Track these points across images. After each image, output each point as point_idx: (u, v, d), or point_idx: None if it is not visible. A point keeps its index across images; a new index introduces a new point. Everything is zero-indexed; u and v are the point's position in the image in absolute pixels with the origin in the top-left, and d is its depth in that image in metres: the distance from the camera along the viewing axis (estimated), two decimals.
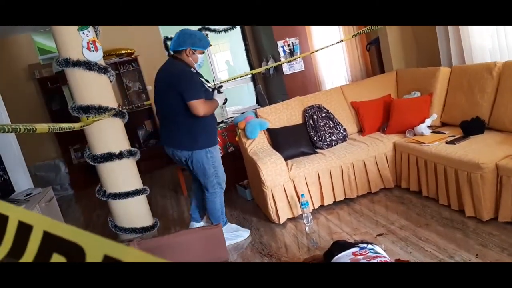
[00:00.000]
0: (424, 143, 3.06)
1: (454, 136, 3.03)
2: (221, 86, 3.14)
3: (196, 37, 2.87)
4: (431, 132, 3.27)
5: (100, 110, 3.04)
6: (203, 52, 2.95)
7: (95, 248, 0.55)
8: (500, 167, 2.45)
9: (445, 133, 3.16)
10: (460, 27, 3.48)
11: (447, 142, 2.94)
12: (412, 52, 4.24)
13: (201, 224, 3.32)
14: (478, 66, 3.20)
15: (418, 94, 3.63)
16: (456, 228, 2.58)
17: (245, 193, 3.94)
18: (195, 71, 2.94)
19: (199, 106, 2.73)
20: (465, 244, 2.38)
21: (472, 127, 3.00)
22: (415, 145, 3.12)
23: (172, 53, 2.98)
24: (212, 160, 2.95)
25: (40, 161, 5.85)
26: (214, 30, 6.67)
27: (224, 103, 3.07)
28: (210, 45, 3.05)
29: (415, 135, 3.32)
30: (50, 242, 0.58)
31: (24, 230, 0.61)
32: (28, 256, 0.59)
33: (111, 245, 0.54)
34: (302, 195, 3.10)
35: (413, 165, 3.17)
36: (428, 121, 3.33)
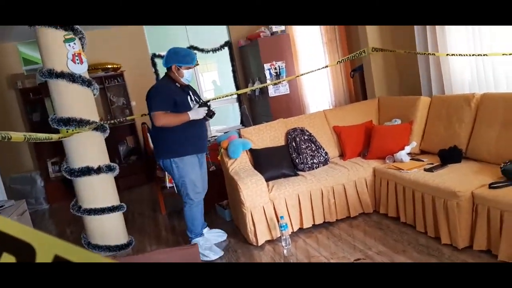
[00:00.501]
0: (403, 169, 3.10)
1: (432, 164, 3.08)
2: (206, 102, 3.23)
3: (180, 54, 3.04)
4: (410, 159, 3.32)
5: (81, 123, 3.01)
6: (190, 68, 3.07)
7: (46, 248, 0.53)
8: (476, 196, 2.49)
9: (423, 161, 3.21)
10: (441, 58, 3.60)
11: (425, 170, 2.98)
12: (395, 81, 4.35)
13: (205, 230, 3.38)
14: (457, 96, 3.30)
15: (398, 121, 3.70)
16: (431, 255, 2.60)
17: (224, 214, 3.90)
18: (179, 85, 3.10)
19: (156, 117, 2.94)
20: None
21: (449, 156, 3.06)
22: (394, 171, 3.16)
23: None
24: (178, 171, 3.07)
25: (15, 173, 5.70)
26: (202, 50, 6.74)
27: (207, 118, 3.10)
28: (197, 64, 3.16)
29: (394, 161, 3.36)
30: (1, 241, 0.56)
31: None
32: None
33: (62, 245, 0.53)
34: (282, 217, 3.08)
35: (391, 191, 3.20)
36: (407, 148, 3.38)
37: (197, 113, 3.02)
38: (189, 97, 3.13)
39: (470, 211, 2.53)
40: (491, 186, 2.45)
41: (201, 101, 3.20)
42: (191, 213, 3.19)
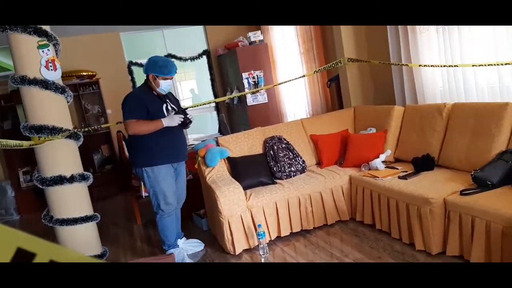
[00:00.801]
0: (378, 177, 3.15)
1: (406, 171, 3.14)
2: (184, 110, 3.21)
3: (158, 65, 3.01)
4: (385, 167, 3.39)
5: (53, 130, 2.93)
6: (167, 79, 3.03)
7: (9, 241, 0.52)
8: (448, 202, 2.56)
9: (398, 169, 3.28)
10: (414, 69, 3.71)
11: (399, 177, 3.05)
12: (370, 90, 4.45)
13: (182, 240, 3.37)
14: (429, 106, 3.39)
15: (373, 130, 3.77)
16: (406, 261, 2.64)
17: (201, 223, 3.86)
18: (157, 94, 3.07)
19: (128, 125, 2.96)
20: None
21: (422, 164, 3.13)
22: (369, 179, 3.21)
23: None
24: (149, 180, 3.06)
25: None
26: (180, 58, 6.71)
27: (184, 126, 3.08)
28: (175, 74, 3.09)
29: (370, 169, 3.42)
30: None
31: None
32: None
33: (24, 238, 0.52)
34: (259, 225, 3.07)
35: (367, 198, 3.24)
36: (382, 156, 3.45)
37: (171, 120, 2.98)
38: (165, 106, 3.08)
39: (442, 218, 2.59)
40: (462, 193, 2.52)
41: (178, 109, 3.17)
42: (162, 223, 3.17)
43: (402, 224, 2.87)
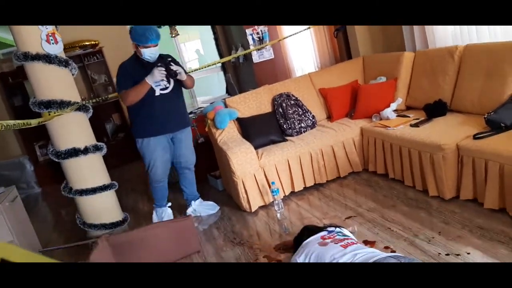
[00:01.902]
0: (389, 127, 3.12)
1: (418, 119, 3.10)
2: (167, 63, 2.92)
3: (137, 33, 2.88)
4: (396, 115, 3.34)
5: (62, 104, 2.95)
6: (148, 47, 2.89)
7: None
8: (461, 147, 2.53)
9: (409, 117, 3.23)
10: None
11: (411, 125, 3.01)
12: (378, 38, 4.30)
13: (197, 202, 3.49)
14: (440, 50, 3.28)
15: (383, 79, 3.69)
16: (420, 207, 2.67)
17: (216, 184, 3.93)
18: (147, 62, 2.96)
19: (121, 98, 2.98)
20: (428, 222, 2.47)
21: (435, 110, 3.08)
22: (381, 129, 3.19)
23: None
24: (141, 150, 3.13)
25: (3, 160, 5.64)
26: None
27: (172, 77, 2.94)
28: (156, 41, 2.91)
29: (381, 119, 3.38)
30: None
31: None
32: None
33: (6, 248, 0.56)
34: (273, 182, 3.11)
35: (379, 149, 3.23)
36: (393, 105, 3.40)
37: (153, 76, 2.85)
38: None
39: (455, 163, 2.58)
40: (475, 136, 2.49)
41: (159, 63, 2.90)
42: (151, 186, 3.33)
43: (415, 171, 2.87)
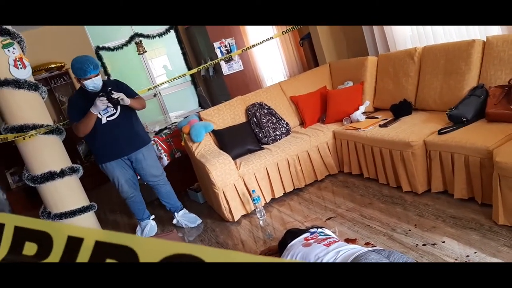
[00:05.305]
0: (360, 128, 3.26)
1: (386, 119, 3.26)
2: (107, 92, 2.94)
3: (74, 67, 2.94)
4: (365, 117, 3.49)
5: (35, 128, 2.91)
6: (88, 79, 2.91)
7: (60, 233, 0.61)
8: (428, 143, 2.69)
9: (378, 118, 3.39)
10: None
11: (380, 126, 3.16)
12: (342, 44, 4.48)
13: (181, 212, 3.55)
14: (401, 52, 3.47)
15: (350, 83, 3.85)
16: (395, 203, 2.80)
17: (196, 197, 3.95)
18: (93, 93, 2.97)
19: (74, 130, 3.08)
20: (404, 216, 2.59)
21: (401, 110, 3.24)
22: (352, 132, 3.32)
23: None
24: (106, 174, 3.28)
25: None
26: (147, 36, 6.57)
27: (114, 105, 2.98)
28: (95, 72, 2.92)
29: (351, 122, 3.52)
30: (21, 233, 0.66)
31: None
32: (3, 249, 0.67)
33: (73, 229, 0.61)
34: (253, 191, 3.17)
35: (352, 150, 3.36)
36: (362, 108, 3.55)
37: (95, 106, 2.91)
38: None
39: (424, 158, 2.73)
40: (440, 132, 2.65)
41: (101, 93, 2.94)
42: (127, 203, 3.44)
43: (387, 169, 3.01)
